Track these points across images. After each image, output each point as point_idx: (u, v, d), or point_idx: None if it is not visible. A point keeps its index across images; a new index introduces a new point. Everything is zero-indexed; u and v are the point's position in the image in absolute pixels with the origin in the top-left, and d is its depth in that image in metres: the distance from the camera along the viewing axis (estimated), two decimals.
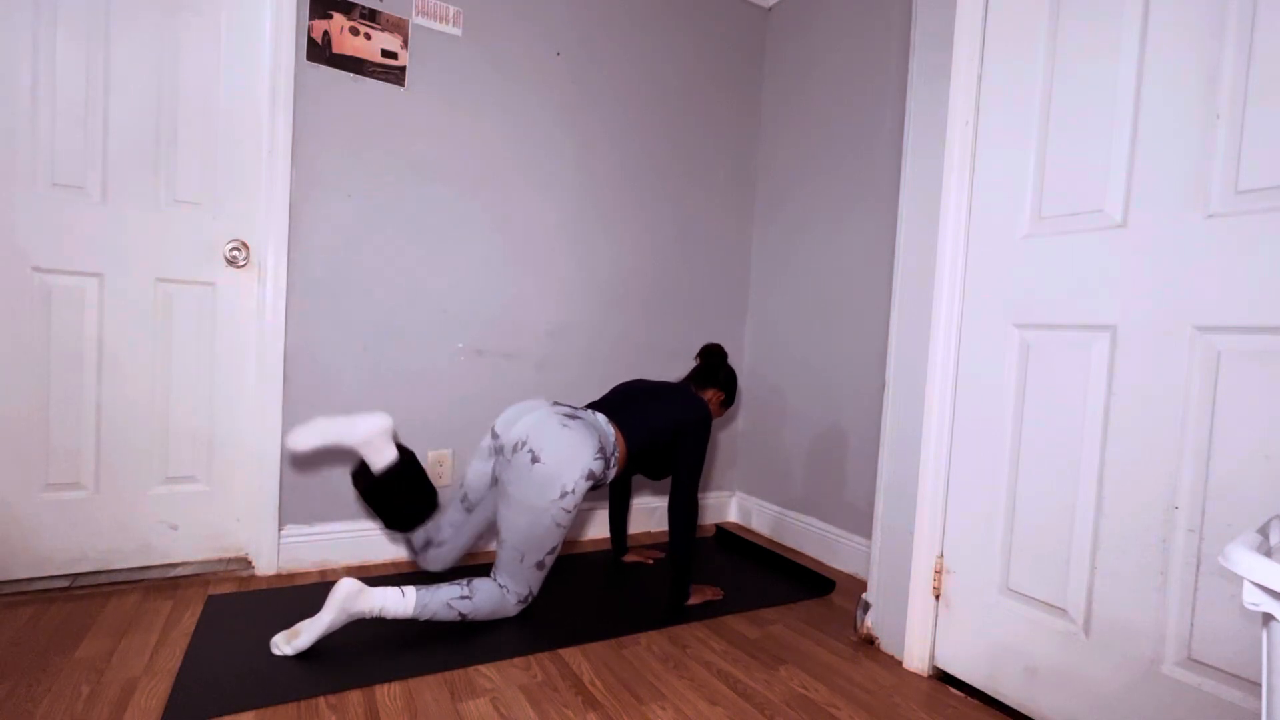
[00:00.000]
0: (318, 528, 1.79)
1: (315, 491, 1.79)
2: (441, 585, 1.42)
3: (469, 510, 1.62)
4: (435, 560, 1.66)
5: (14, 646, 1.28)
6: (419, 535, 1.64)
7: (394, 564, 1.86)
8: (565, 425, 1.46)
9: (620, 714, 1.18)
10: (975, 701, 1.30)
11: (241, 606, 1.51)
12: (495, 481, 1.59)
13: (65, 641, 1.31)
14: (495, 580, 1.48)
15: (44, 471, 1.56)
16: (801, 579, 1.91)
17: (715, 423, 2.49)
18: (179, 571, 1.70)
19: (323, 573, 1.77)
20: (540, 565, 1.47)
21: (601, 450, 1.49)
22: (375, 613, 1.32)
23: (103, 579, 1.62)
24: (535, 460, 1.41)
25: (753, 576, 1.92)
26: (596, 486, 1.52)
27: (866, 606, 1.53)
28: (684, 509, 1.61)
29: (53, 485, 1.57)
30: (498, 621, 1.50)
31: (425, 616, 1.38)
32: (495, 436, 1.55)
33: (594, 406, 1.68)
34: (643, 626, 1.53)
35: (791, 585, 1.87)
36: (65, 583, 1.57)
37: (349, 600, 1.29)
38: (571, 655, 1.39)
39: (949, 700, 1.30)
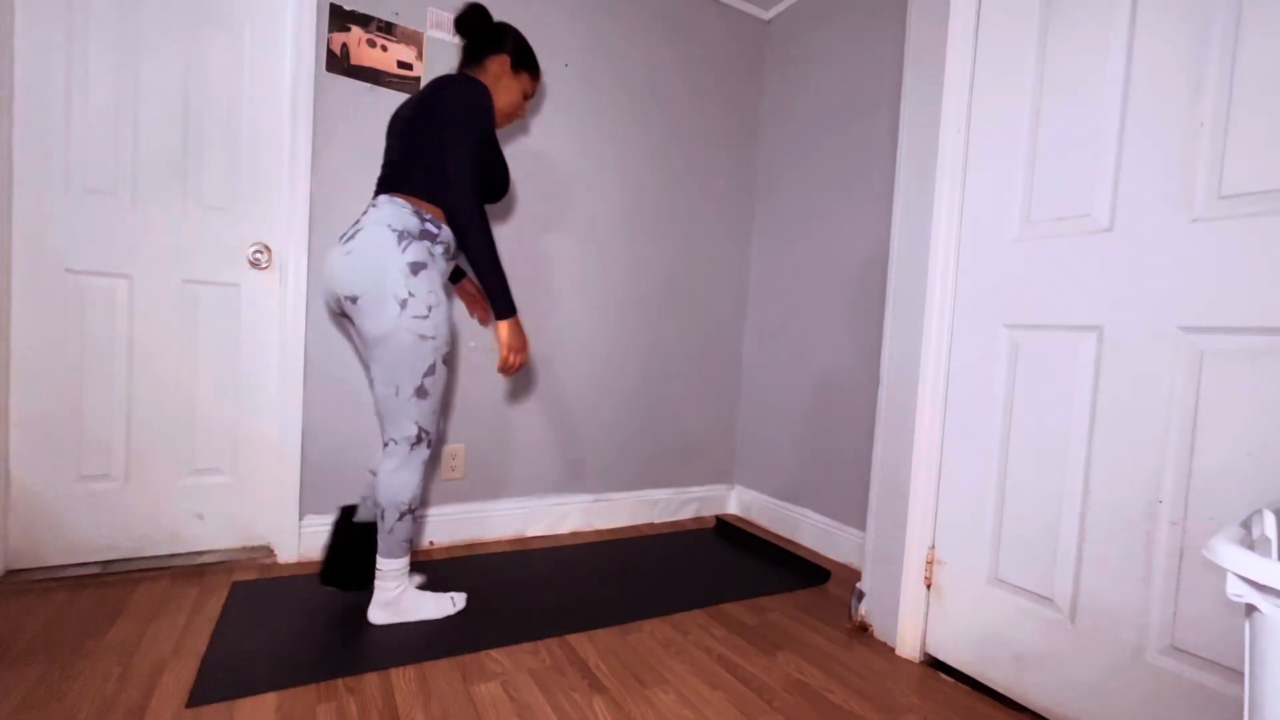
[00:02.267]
0: None
1: (334, 484, 1.85)
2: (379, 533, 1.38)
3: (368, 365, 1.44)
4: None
5: (49, 630, 1.33)
6: (369, 480, 1.54)
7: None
8: (349, 251, 1.27)
9: (625, 697, 1.21)
10: (965, 687, 1.33)
11: (264, 593, 1.56)
12: None
13: (97, 625, 1.36)
14: (384, 446, 1.33)
15: (77, 463, 1.62)
16: (798, 569, 1.95)
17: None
18: (205, 559, 1.75)
19: None
20: (422, 392, 1.29)
21: (403, 232, 1.27)
22: (394, 596, 1.42)
23: (133, 566, 1.67)
24: (354, 301, 1.26)
25: (751, 566, 1.95)
26: (454, 258, 1.34)
27: (861, 595, 1.57)
28: (464, 219, 1.30)
29: (85, 476, 1.63)
30: (507, 610, 1.54)
31: (401, 551, 1.37)
32: (333, 312, 1.41)
33: (380, 182, 1.39)
34: (646, 614, 1.57)
35: (789, 575, 1.90)
36: (97, 569, 1.63)
37: (385, 616, 1.42)
38: (578, 641, 1.43)
39: (940, 686, 1.33)
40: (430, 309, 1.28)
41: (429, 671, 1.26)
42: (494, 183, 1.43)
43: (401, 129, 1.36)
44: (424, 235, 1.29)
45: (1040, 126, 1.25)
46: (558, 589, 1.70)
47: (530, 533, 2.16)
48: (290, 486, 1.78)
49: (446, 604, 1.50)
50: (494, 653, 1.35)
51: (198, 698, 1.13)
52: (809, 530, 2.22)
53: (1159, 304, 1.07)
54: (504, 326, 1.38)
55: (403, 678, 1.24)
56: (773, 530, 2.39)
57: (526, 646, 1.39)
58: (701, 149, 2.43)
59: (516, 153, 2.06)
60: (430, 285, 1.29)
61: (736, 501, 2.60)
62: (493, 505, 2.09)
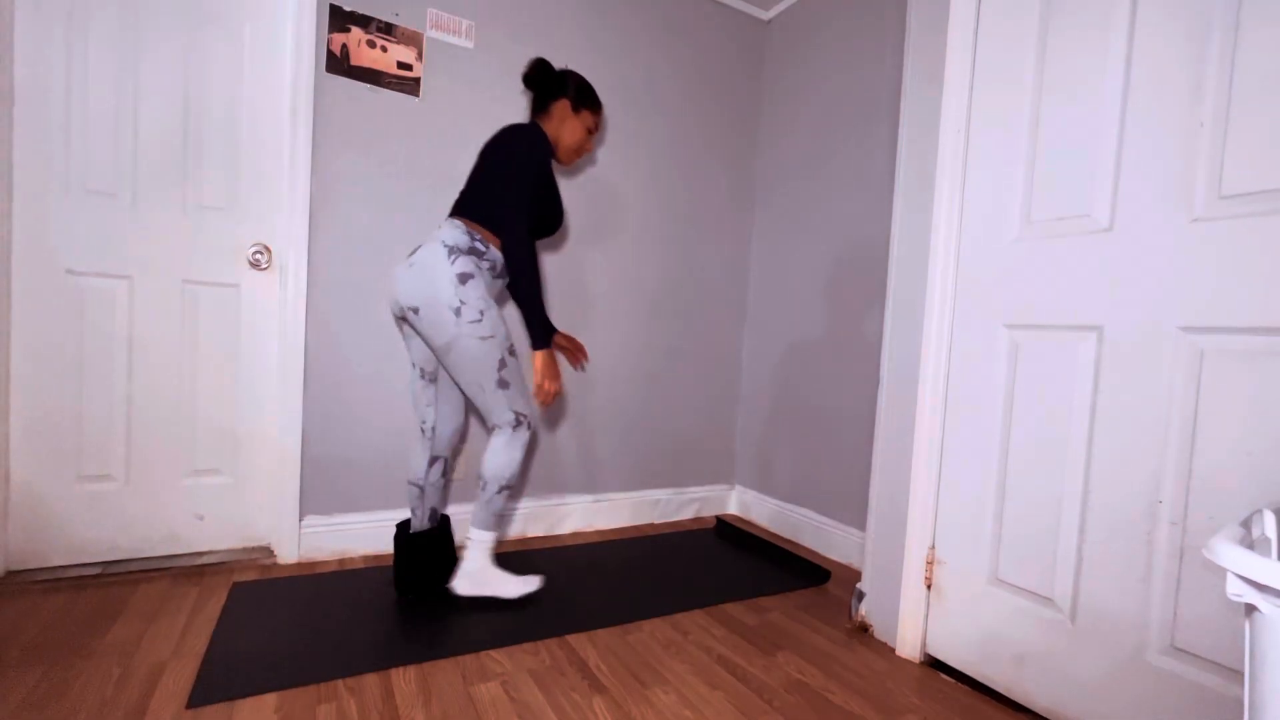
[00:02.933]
0: (336, 518, 1.85)
1: (334, 484, 1.85)
2: (475, 504, 1.54)
3: (433, 380, 1.58)
4: (439, 446, 1.61)
5: (49, 630, 1.33)
6: (414, 492, 1.62)
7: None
8: (411, 265, 1.43)
9: (625, 697, 1.21)
10: (965, 687, 1.33)
11: (264, 593, 1.57)
12: None
13: (97, 626, 1.36)
14: (489, 433, 1.49)
15: (77, 464, 1.62)
16: (798, 569, 1.95)
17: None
18: (205, 560, 1.75)
19: (341, 561, 1.83)
20: (503, 384, 1.45)
21: (454, 249, 1.41)
22: (479, 567, 1.55)
23: (133, 567, 1.67)
24: (416, 311, 1.41)
25: (752, 566, 1.96)
26: (499, 276, 1.47)
27: (861, 595, 1.57)
28: (512, 249, 1.44)
29: (85, 477, 1.63)
30: (507, 608, 1.54)
31: (495, 524, 1.54)
32: (398, 318, 1.53)
33: (453, 206, 1.59)
34: (646, 614, 1.57)
35: (789, 575, 1.90)
36: (97, 570, 1.64)
37: (469, 588, 1.56)
38: (578, 641, 1.43)
39: (940, 686, 1.33)
40: (482, 313, 1.41)
41: (429, 672, 1.27)
42: (546, 221, 1.59)
43: (477, 162, 1.54)
44: (471, 251, 1.42)
45: (1040, 126, 1.25)
46: (558, 589, 1.70)
47: (530, 533, 2.16)
48: (290, 487, 1.78)
49: (524, 585, 1.59)
50: (494, 653, 1.36)
51: (198, 698, 1.13)
52: (809, 530, 2.22)
53: (1159, 304, 1.07)
54: (538, 356, 1.51)
55: (403, 678, 1.24)
56: (773, 530, 2.39)
57: (526, 646, 1.39)
58: (701, 149, 2.43)
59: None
60: (479, 292, 1.42)
61: (736, 501, 2.60)
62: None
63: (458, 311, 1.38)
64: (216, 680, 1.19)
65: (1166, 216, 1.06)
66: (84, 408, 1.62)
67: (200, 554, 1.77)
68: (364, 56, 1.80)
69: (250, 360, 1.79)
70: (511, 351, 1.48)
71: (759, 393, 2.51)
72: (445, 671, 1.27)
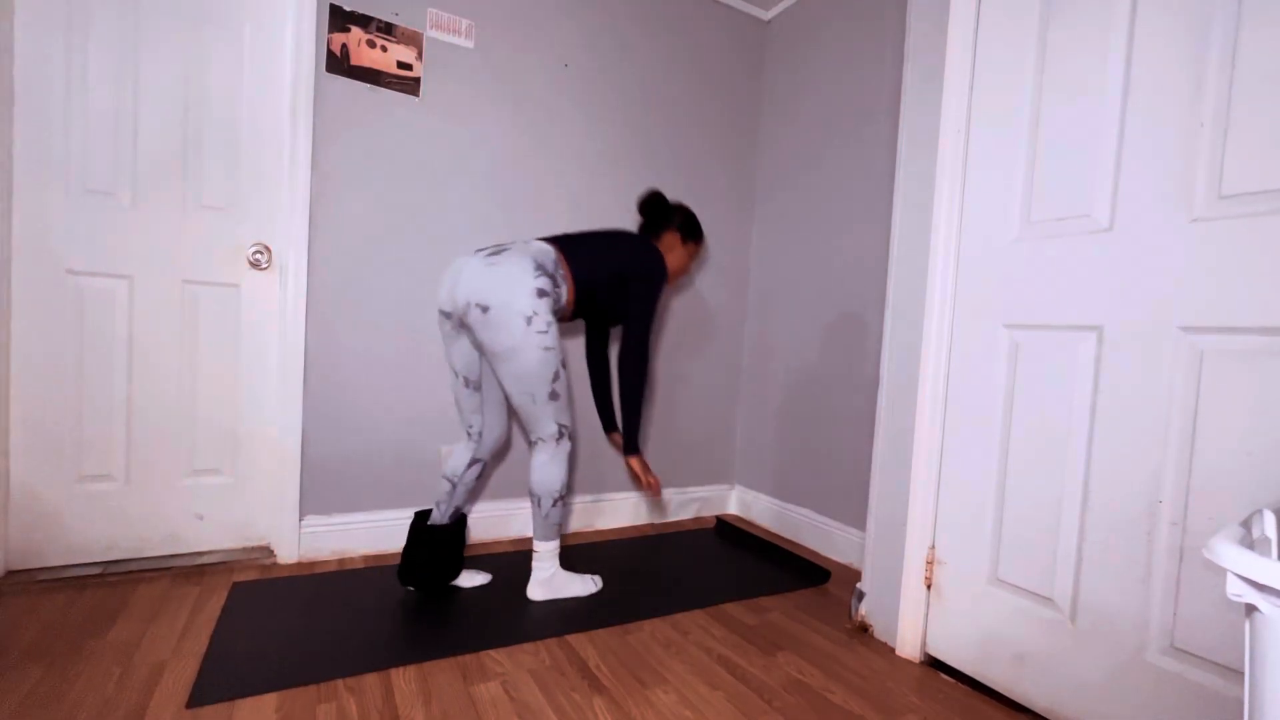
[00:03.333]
0: (336, 518, 1.86)
1: (334, 484, 1.85)
2: (532, 518, 1.59)
3: (477, 389, 1.59)
4: (483, 450, 1.63)
5: (49, 630, 1.33)
6: (445, 487, 1.64)
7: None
8: (493, 265, 1.44)
9: (625, 697, 1.21)
10: (965, 687, 1.33)
11: (264, 593, 1.57)
12: (482, 349, 1.55)
13: (97, 626, 1.36)
14: (531, 445, 1.54)
15: (77, 464, 1.62)
16: (798, 569, 1.95)
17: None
18: (205, 560, 1.75)
19: (341, 561, 1.83)
20: (553, 396, 1.49)
21: (540, 267, 1.45)
22: (550, 575, 1.62)
23: (133, 566, 1.67)
24: (485, 310, 1.41)
25: (751, 566, 1.96)
26: (560, 314, 1.52)
27: (861, 595, 1.57)
28: (633, 358, 1.57)
29: (85, 477, 1.63)
30: (507, 610, 1.55)
31: (556, 534, 1.59)
32: (446, 315, 1.52)
33: (549, 237, 1.63)
34: (646, 614, 1.57)
35: (789, 575, 1.90)
36: (97, 570, 1.64)
37: (543, 593, 1.62)
38: (578, 641, 1.43)
39: (940, 686, 1.33)
40: (549, 325, 1.46)
41: (429, 671, 1.27)
42: (620, 318, 1.71)
43: (602, 237, 1.62)
44: (551, 278, 1.48)
45: (1040, 126, 1.25)
46: None
47: (530, 533, 2.16)
48: (290, 487, 1.78)
49: (590, 584, 1.68)
50: (494, 653, 1.36)
51: (198, 698, 1.13)
52: (809, 530, 2.22)
53: (1159, 304, 1.07)
54: (634, 460, 1.67)
55: (403, 678, 1.24)
56: (773, 530, 2.39)
57: (527, 646, 1.39)
58: (701, 149, 2.43)
59: (524, 149, 2.06)
60: (548, 309, 1.47)
61: (736, 501, 2.60)
62: (492, 505, 2.10)
63: (529, 320, 1.42)
64: (216, 680, 1.19)
65: (1166, 216, 1.06)
66: (84, 408, 1.62)
67: (200, 554, 1.77)
68: (364, 56, 1.80)
69: (250, 360, 1.79)
70: (564, 364, 1.52)
71: (759, 392, 2.51)
72: (445, 671, 1.27)
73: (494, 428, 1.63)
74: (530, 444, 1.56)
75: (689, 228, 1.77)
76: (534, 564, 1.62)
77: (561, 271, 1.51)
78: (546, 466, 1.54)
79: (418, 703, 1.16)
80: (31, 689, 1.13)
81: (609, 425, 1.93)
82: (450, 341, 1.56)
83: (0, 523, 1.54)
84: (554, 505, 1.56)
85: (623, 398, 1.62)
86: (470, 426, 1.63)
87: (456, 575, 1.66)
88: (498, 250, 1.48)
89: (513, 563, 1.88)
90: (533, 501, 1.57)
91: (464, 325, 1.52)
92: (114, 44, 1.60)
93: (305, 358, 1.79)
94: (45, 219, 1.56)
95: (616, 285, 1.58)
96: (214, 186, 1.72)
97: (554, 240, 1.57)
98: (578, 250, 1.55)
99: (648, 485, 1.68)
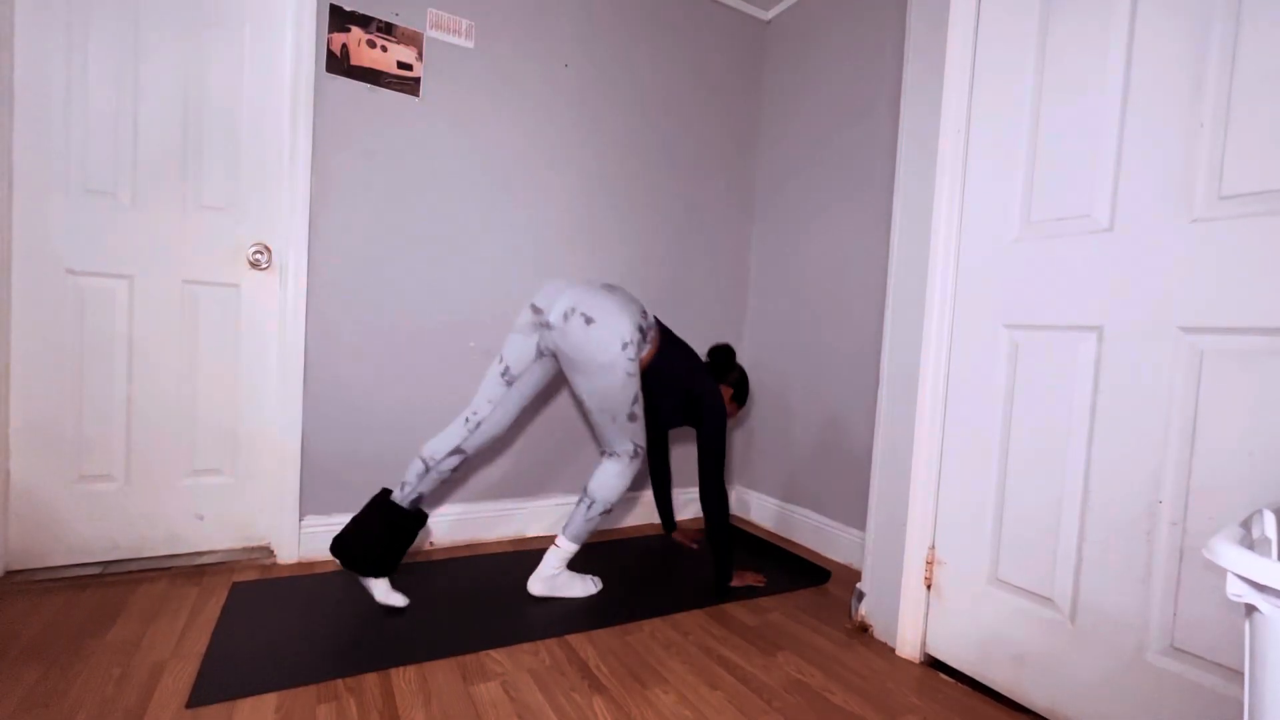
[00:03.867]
0: (336, 518, 1.85)
1: (334, 484, 1.85)
2: (573, 514, 1.62)
3: (509, 384, 1.58)
4: (471, 443, 1.59)
5: (49, 630, 1.33)
6: (419, 467, 1.57)
7: (409, 552, 1.92)
8: (609, 293, 1.55)
9: (625, 698, 1.22)
10: (965, 688, 1.33)
11: (264, 593, 1.57)
12: (540, 355, 1.58)
13: (97, 626, 1.36)
14: (604, 455, 1.62)
15: (77, 464, 1.62)
16: (798, 569, 1.95)
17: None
18: (205, 560, 1.75)
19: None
20: (632, 417, 1.55)
21: (640, 326, 1.55)
22: (556, 573, 1.63)
23: (132, 566, 1.67)
24: (590, 321, 1.48)
25: (752, 566, 1.95)
26: (641, 347, 1.58)
27: (861, 596, 1.57)
28: (715, 496, 1.68)
29: (85, 477, 1.63)
30: (507, 610, 1.54)
31: (584, 538, 1.63)
32: (538, 311, 1.55)
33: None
34: (646, 614, 1.57)
35: (789, 575, 1.90)
36: (97, 570, 1.64)
37: (547, 587, 1.63)
38: (578, 641, 1.43)
39: (940, 686, 1.33)
40: (636, 358, 1.54)
41: (429, 671, 1.27)
42: (675, 423, 1.91)
43: (685, 358, 1.72)
44: (643, 331, 1.57)
45: (1040, 126, 1.25)
46: None
47: (530, 533, 2.16)
48: (291, 487, 1.78)
49: (590, 585, 1.70)
50: (494, 653, 1.36)
51: (198, 698, 1.13)
52: (809, 530, 2.22)
53: (1159, 304, 1.07)
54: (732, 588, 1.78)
55: (403, 678, 1.24)
56: (773, 530, 2.39)
57: (526, 646, 1.39)
58: (702, 149, 2.43)
59: (523, 149, 2.06)
60: (638, 348, 1.54)
61: (736, 501, 2.60)
62: (493, 505, 2.10)
63: (624, 345, 1.49)
64: (216, 680, 1.19)
65: (1166, 216, 1.06)
66: (84, 407, 1.62)
67: (200, 554, 1.77)
68: (364, 56, 1.80)
69: (250, 360, 1.79)
70: (639, 389, 1.58)
71: (759, 392, 2.51)
72: (445, 671, 1.27)
73: (496, 425, 1.59)
74: (602, 453, 1.64)
75: (741, 390, 1.98)
76: (547, 556, 1.65)
77: (651, 335, 1.62)
78: (615, 477, 1.61)
79: (418, 703, 1.16)
80: (31, 689, 1.13)
81: (668, 525, 2.14)
82: (519, 333, 1.59)
83: (0, 523, 1.54)
84: (602, 513, 1.61)
85: (712, 533, 1.70)
86: (475, 413, 1.58)
87: (388, 570, 1.49)
88: (611, 286, 1.60)
89: (511, 563, 1.88)
90: (584, 501, 1.61)
91: (547, 327, 1.53)
92: (114, 44, 1.60)
93: (305, 358, 1.78)
94: (45, 219, 1.56)
95: (685, 400, 1.72)
96: (214, 186, 1.72)
97: (656, 318, 1.71)
98: (669, 336, 1.69)
99: (750, 588, 1.79)
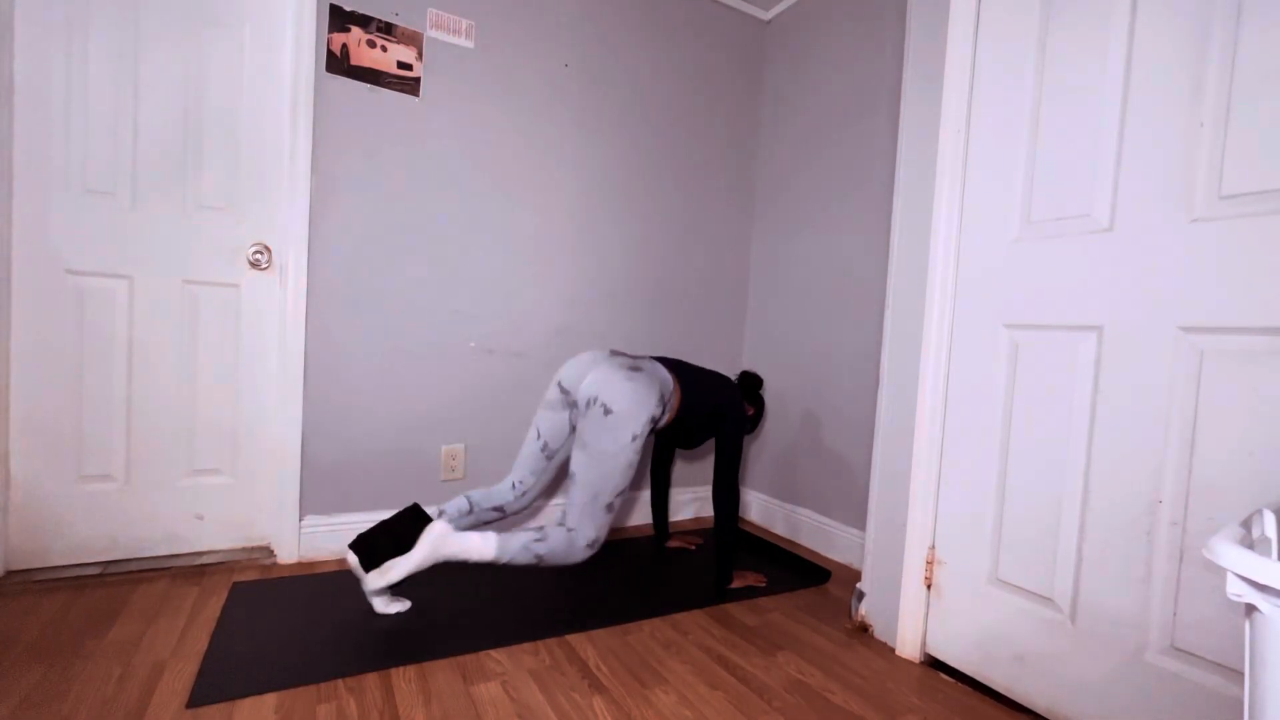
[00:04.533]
0: (336, 518, 1.85)
1: (334, 484, 1.85)
2: (517, 531, 1.49)
3: (549, 458, 1.67)
4: (515, 505, 1.67)
5: (49, 630, 1.33)
6: (462, 505, 1.61)
7: None
8: (630, 378, 1.55)
9: (625, 697, 1.21)
10: (965, 687, 1.33)
11: (264, 593, 1.57)
12: (574, 429, 1.66)
13: (97, 626, 1.36)
14: (564, 526, 1.52)
15: (77, 464, 1.62)
16: (799, 569, 1.95)
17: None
18: (205, 560, 1.75)
19: (341, 561, 1.83)
20: (610, 508, 1.55)
21: (662, 398, 1.59)
22: (460, 556, 1.41)
23: (133, 566, 1.67)
24: (608, 412, 1.50)
25: (752, 566, 1.95)
26: (653, 429, 1.63)
27: (861, 595, 1.57)
28: (726, 498, 1.72)
29: (85, 477, 1.63)
30: (507, 610, 1.54)
31: (505, 559, 1.45)
32: (564, 391, 1.63)
33: (670, 362, 1.77)
34: (646, 614, 1.57)
35: (789, 575, 1.90)
36: (97, 570, 1.64)
37: (440, 540, 1.40)
38: (578, 641, 1.43)
39: (940, 686, 1.33)
40: (642, 445, 1.57)
41: (429, 671, 1.27)
42: (694, 442, 1.90)
43: (701, 368, 1.81)
44: (664, 405, 1.61)
45: (1040, 126, 1.25)
46: (558, 589, 1.70)
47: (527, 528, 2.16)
48: (291, 487, 1.78)
49: (394, 605, 1.51)
50: (494, 653, 1.36)
51: (198, 698, 1.13)
52: (809, 530, 2.22)
53: (1159, 304, 1.07)
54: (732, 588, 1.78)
55: (403, 678, 1.24)
56: (773, 530, 2.39)
57: (526, 646, 1.39)
58: (701, 149, 2.43)
59: (523, 149, 2.06)
60: (649, 432, 1.59)
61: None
62: None
63: (634, 437, 1.52)
64: (216, 680, 1.19)
65: (1166, 216, 1.06)
66: (84, 407, 1.62)
67: (200, 554, 1.77)
68: (364, 56, 1.80)
69: (250, 360, 1.79)
70: (629, 482, 1.58)
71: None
72: (445, 671, 1.27)
73: (536, 492, 1.70)
74: (561, 522, 1.53)
75: (759, 412, 2.03)
76: (468, 535, 1.44)
77: (672, 402, 1.66)
78: (559, 553, 1.49)
79: (418, 703, 1.16)
80: (31, 689, 1.13)
81: (662, 535, 2.10)
82: (550, 409, 1.66)
83: (0, 523, 1.54)
84: (538, 556, 1.47)
85: (719, 533, 1.74)
86: (521, 482, 1.68)
87: (378, 565, 1.45)
88: (635, 366, 1.61)
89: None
90: (538, 530, 1.49)
91: (572, 406, 1.62)
92: (114, 44, 1.60)
93: (305, 357, 1.78)
94: (45, 219, 1.56)
95: (710, 418, 1.75)
96: (214, 186, 1.72)
97: (673, 368, 1.73)
98: (691, 382, 1.72)
99: (749, 588, 1.79)
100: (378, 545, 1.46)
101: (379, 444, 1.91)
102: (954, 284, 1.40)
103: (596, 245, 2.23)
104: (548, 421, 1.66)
